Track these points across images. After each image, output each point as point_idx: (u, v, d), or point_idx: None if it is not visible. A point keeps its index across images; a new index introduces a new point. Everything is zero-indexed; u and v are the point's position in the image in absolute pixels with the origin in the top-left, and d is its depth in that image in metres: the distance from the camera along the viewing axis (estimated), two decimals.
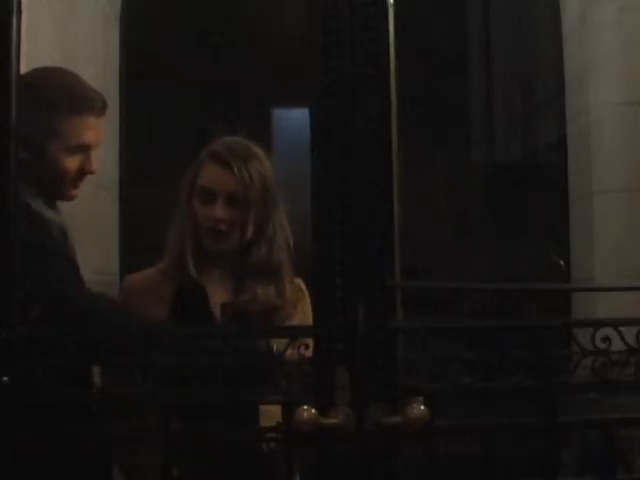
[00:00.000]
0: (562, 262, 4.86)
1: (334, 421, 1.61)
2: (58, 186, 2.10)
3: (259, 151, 2.26)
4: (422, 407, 1.57)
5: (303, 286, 2.25)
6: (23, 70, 1.73)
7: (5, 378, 1.55)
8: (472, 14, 7.30)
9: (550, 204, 5.49)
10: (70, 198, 2.17)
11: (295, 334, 1.68)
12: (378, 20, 1.78)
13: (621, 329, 2.99)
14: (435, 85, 6.87)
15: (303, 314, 2.19)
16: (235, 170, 2.21)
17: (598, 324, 3.02)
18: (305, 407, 1.58)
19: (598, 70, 4.35)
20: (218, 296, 2.20)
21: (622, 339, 2.98)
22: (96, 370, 1.61)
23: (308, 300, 2.15)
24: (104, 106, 2.10)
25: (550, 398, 2.83)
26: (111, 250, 4.25)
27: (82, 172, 2.12)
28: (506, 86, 7.16)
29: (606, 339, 2.92)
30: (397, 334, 1.67)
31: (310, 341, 1.65)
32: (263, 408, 1.85)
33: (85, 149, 2.09)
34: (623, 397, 3.22)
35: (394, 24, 2.55)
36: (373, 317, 1.64)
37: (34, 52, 2.54)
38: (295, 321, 2.17)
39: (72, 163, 2.08)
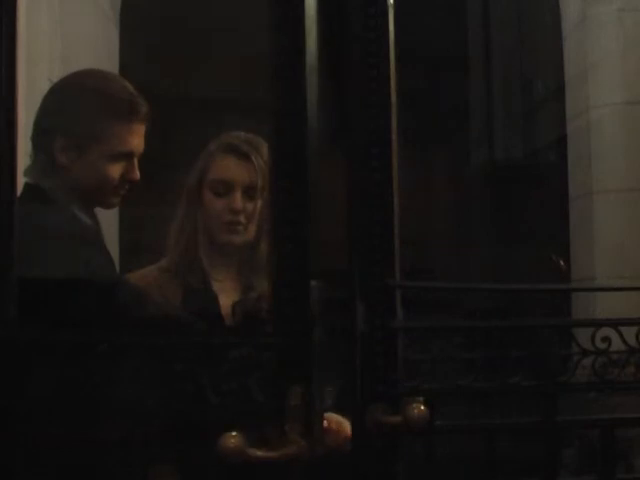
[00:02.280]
0: (562, 262, 4.86)
1: (271, 454, 1.30)
2: (99, 193, 2.04)
3: (266, 143, 2.15)
4: (422, 407, 1.57)
5: None
6: (22, 70, 1.73)
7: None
8: (472, 14, 7.31)
9: (550, 204, 5.49)
10: (110, 206, 2.11)
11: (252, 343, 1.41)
12: (378, 20, 1.77)
13: (621, 329, 3.00)
14: (435, 85, 6.87)
15: None
16: (253, 160, 2.18)
17: (598, 324, 3.03)
18: (233, 433, 1.30)
19: (598, 70, 4.36)
20: (228, 295, 2.14)
21: (622, 339, 2.98)
22: None
23: None
24: (147, 112, 2.05)
25: (550, 398, 2.84)
26: (112, 251, 4.25)
27: (124, 180, 2.05)
28: (506, 86, 7.16)
29: (606, 339, 2.93)
30: (397, 334, 1.67)
31: None
32: None
33: (128, 156, 2.03)
34: (623, 397, 3.23)
35: (394, 24, 2.56)
36: (373, 317, 1.64)
37: (34, 52, 2.54)
38: None
39: (114, 170, 2.01)
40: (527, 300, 3.70)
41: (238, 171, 2.17)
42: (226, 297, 2.14)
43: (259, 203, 2.18)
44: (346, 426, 1.90)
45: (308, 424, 1.33)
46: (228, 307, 2.11)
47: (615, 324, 3.00)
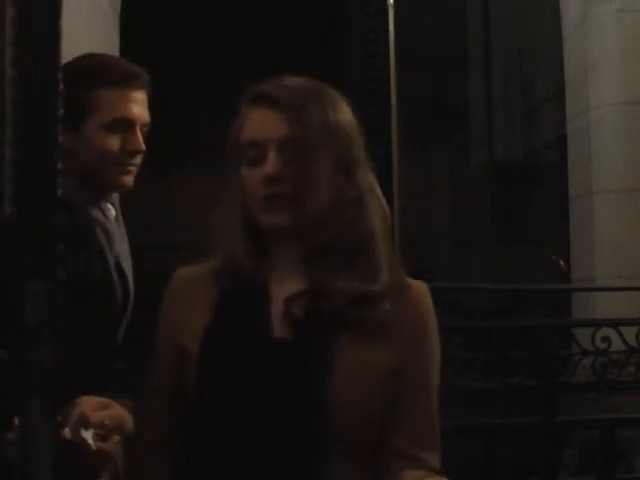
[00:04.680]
0: (562, 262, 4.86)
1: None
2: (104, 172, 1.93)
3: (330, 92, 1.62)
4: None
5: (422, 286, 1.57)
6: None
7: None
8: (472, 14, 7.31)
9: (550, 204, 5.50)
10: (123, 186, 1.95)
11: None
12: (378, 20, 1.77)
13: (621, 329, 3.00)
14: (435, 85, 6.88)
15: (419, 319, 1.52)
16: (286, 106, 1.57)
17: (598, 324, 3.03)
18: None
19: (598, 70, 4.36)
20: (283, 290, 1.54)
21: (622, 339, 2.99)
22: None
23: (429, 304, 1.55)
24: (147, 80, 1.97)
25: (550, 398, 2.84)
26: None
27: (126, 152, 1.94)
28: (506, 86, 7.16)
29: (606, 339, 2.93)
30: None
31: None
32: None
33: (127, 124, 1.93)
34: (623, 397, 3.23)
35: (394, 24, 2.56)
36: None
37: None
38: (405, 324, 1.49)
39: (113, 141, 1.90)
40: (527, 300, 3.71)
41: (269, 124, 1.56)
42: (279, 292, 1.56)
43: (318, 165, 1.53)
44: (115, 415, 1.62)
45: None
46: (279, 304, 1.54)
47: (615, 324, 3.01)
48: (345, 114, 1.57)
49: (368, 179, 1.55)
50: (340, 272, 1.47)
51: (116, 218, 1.98)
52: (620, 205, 4.30)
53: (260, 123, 1.55)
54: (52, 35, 1.11)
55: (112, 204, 2.00)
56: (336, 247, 1.49)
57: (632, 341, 2.95)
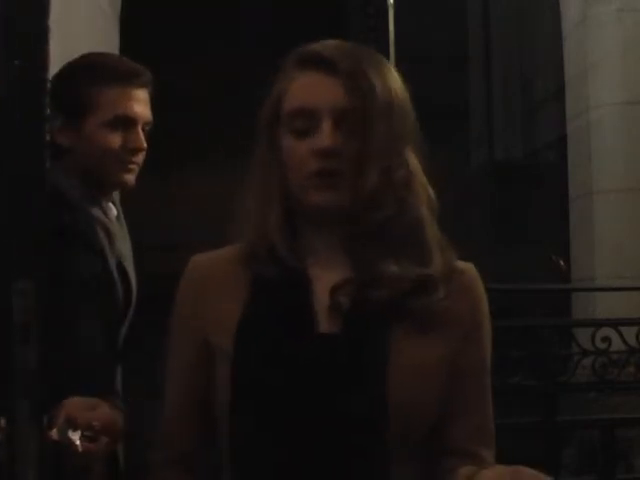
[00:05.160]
0: (562, 262, 4.86)
1: None
2: (105, 170, 1.93)
3: (383, 59, 1.47)
4: None
5: (472, 268, 1.44)
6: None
7: None
8: (472, 14, 7.31)
9: (550, 204, 5.50)
10: (124, 184, 1.96)
11: None
12: (378, 20, 1.77)
13: (621, 329, 3.00)
14: (435, 85, 6.87)
15: (473, 305, 1.39)
16: (344, 71, 1.37)
17: (598, 324, 3.03)
18: None
19: (598, 70, 4.36)
20: (325, 278, 1.37)
21: (622, 339, 2.98)
22: None
23: (480, 288, 1.42)
24: (149, 79, 1.97)
25: (550, 398, 2.84)
26: None
27: (128, 149, 1.94)
28: (506, 86, 7.16)
29: (606, 339, 2.93)
30: None
31: None
32: None
33: (128, 122, 1.93)
34: (623, 397, 3.22)
35: (394, 24, 2.56)
36: None
37: None
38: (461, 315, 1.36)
39: (114, 138, 1.90)
40: (527, 300, 3.70)
41: (321, 90, 1.37)
42: (323, 281, 1.39)
43: (373, 140, 1.37)
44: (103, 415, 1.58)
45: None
46: (324, 294, 1.37)
47: (615, 324, 3.00)
48: (400, 84, 1.42)
49: (415, 158, 1.42)
50: (390, 257, 1.33)
51: (117, 217, 1.98)
52: (620, 205, 4.30)
53: (312, 89, 1.36)
54: (40, 35, 1.11)
55: (113, 203, 1.99)
56: (384, 230, 1.34)
57: (632, 341, 2.95)
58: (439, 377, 1.28)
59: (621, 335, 2.90)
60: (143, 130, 1.92)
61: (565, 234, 4.70)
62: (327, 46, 1.38)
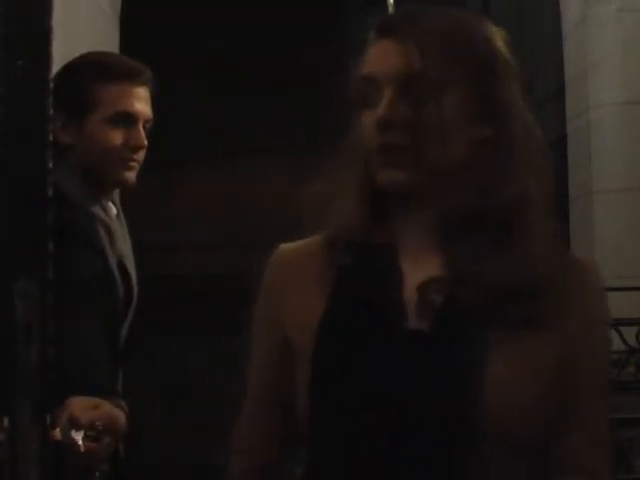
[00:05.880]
0: None
1: None
2: (107, 168, 1.93)
3: (471, 19, 1.31)
4: None
5: (592, 263, 1.25)
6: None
7: None
8: (472, 14, 7.29)
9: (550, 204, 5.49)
10: (126, 182, 1.96)
11: None
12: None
13: (621, 329, 3.00)
14: None
15: (589, 303, 1.21)
16: (409, 35, 1.23)
17: None
18: None
19: (598, 70, 4.36)
20: (415, 270, 1.22)
21: (622, 339, 2.99)
22: None
23: (596, 285, 1.24)
24: (150, 77, 1.97)
25: None
26: None
27: (129, 147, 1.95)
28: None
29: None
30: None
31: None
32: None
33: (130, 119, 1.94)
34: (623, 397, 3.22)
35: None
36: None
37: None
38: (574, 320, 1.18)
39: (116, 135, 1.91)
40: None
41: (384, 56, 1.24)
42: (410, 276, 1.23)
43: (441, 109, 1.20)
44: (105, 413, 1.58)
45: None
46: (411, 292, 1.23)
47: (615, 324, 3.00)
48: (489, 43, 1.26)
49: (520, 126, 1.24)
50: (487, 251, 1.16)
51: (117, 216, 1.98)
52: (620, 205, 4.29)
53: (378, 56, 1.23)
54: (43, 35, 1.11)
55: (113, 202, 2.00)
56: (479, 217, 1.17)
57: (632, 341, 2.95)
58: (545, 385, 1.15)
59: (621, 335, 2.90)
60: (144, 128, 1.93)
61: (565, 234, 4.69)
62: (403, 13, 1.27)
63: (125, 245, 1.97)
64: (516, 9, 6.85)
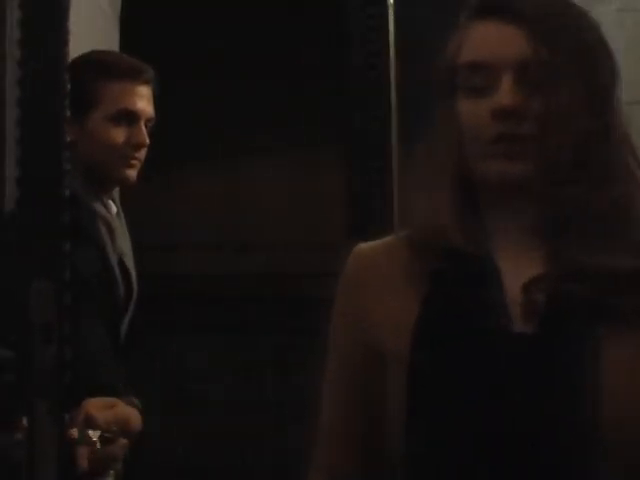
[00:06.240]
0: None
1: None
2: (108, 166, 1.94)
3: (575, 4, 1.24)
4: None
5: None
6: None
7: None
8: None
9: None
10: (126, 181, 1.97)
11: None
12: (378, 20, 1.77)
13: None
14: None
15: None
16: (532, 18, 1.14)
17: None
18: None
19: None
20: (514, 268, 1.14)
21: None
22: None
23: None
24: (152, 76, 1.98)
25: None
26: None
27: (131, 145, 1.95)
28: None
29: None
30: None
31: None
32: None
33: (132, 117, 1.95)
34: None
35: (394, 24, 2.56)
36: None
37: None
38: None
39: (118, 133, 1.92)
40: None
41: (500, 41, 1.14)
42: (511, 275, 1.15)
43: (564, 99, 1.14)
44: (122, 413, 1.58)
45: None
46: (517, 292, 1.15)
47: None
48: (597, 32, 1.24)
49: (622, 124, 1.21)
50: (594, 244, 1.09)
51: (117, 214, 1.98)
52: None
53: (489, 40, 1.13)
54: (59, 37, 1.12)
55: (113, 200, 2.00)
56: (586, 210, 1.10)
57: None
58: None
59: None
60: (146, 126, 1.94)
61: None
62: None
63: (125, 243, 1.98)
64: None
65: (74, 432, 1.53)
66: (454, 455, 1.08)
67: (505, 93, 1.11)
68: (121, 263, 1.97)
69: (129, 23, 4.09)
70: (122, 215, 2.04)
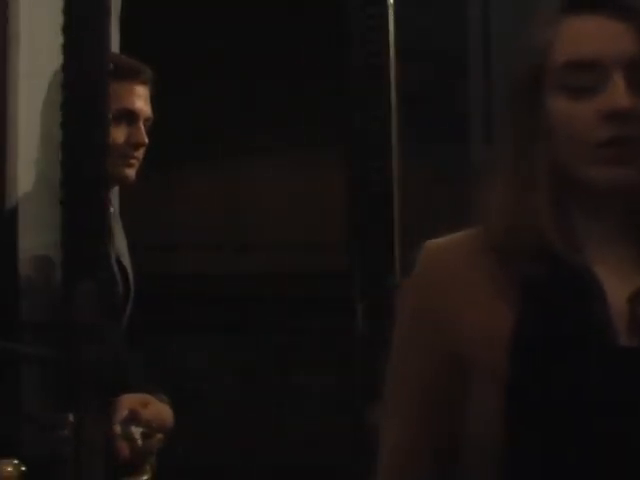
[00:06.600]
0: None
1: None
2: (107, 165, 1.95)
3: None
4: None
5: None
6: (24, 67, 1.72)
7: None
8: (472, 13, 7.30)
9: None
10: (123, 179, 1.98)
11: None
12: (378, 20, 1.78)
13: None
14: (435, 85, 6.88)
15: None
16: (637, 13, 1.09)
17: None
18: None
19: None
20: (614, 278, 1.09)
21: None
22: None
23: None
24: (150, 76, 1.99)
25: None
26: None
27: (130, 144, 1.96)
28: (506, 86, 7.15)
29: None
30: None
31: None
32: None
33: (131, 117, 1.96)
34: None
35: (394, 24, 2.56)
36: (373, 317, 1.64)
37: (34, 50, 2.54)
38: None
39: (118, 132, 1.93)
40: None
41: (606, 37, 1.07)
42: (613, 288, 1.09)
43: None
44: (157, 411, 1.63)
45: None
46: (622, 304, 1.09)
47: None
48: None
49: None
50: None
51: (113, 214, 1.99)
52: None
53: (595, 36, 1.06)
54: (100, 39, 1.13)
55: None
56: None
57: None
58: None
59: None
60: (144, 126, 1.94)
61: None
62: None
63: (122, 243, 1.99)
64: (517, 9, 6.85)
65: (117, 428, 1.57)
66: (560, 477, 1.01)
67: (619, 93, 1.04)
68: (118, 263, 1.98)
69: (129, 23, 4.09)
70: (118, 215, 2.05)
